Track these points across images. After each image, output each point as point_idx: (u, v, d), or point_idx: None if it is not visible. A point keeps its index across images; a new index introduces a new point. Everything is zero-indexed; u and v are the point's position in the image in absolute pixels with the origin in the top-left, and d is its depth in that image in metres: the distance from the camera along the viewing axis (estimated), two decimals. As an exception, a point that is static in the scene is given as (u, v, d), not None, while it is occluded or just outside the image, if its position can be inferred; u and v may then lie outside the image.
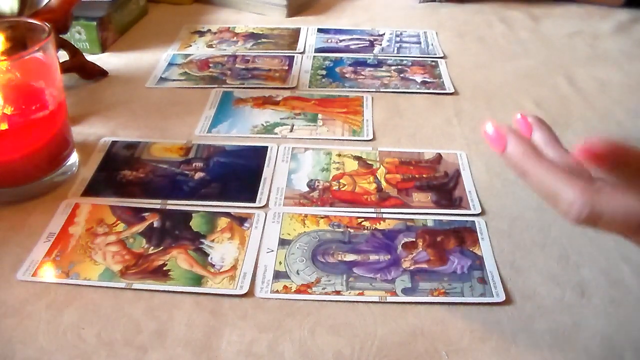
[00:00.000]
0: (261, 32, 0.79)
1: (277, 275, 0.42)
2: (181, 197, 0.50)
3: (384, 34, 0.78)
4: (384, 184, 0.51)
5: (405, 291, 0.41)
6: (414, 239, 0.45)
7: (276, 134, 0.58)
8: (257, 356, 0.37)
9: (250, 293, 0.41)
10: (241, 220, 0.47)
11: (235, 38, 0.77)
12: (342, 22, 0.82)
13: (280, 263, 0.43)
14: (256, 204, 0.49)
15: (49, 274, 0.42)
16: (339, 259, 0.44)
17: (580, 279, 0.42)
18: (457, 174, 0.52)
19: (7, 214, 0.48)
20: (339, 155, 0.55)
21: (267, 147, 0.56)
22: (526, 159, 0.32)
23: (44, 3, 0.60)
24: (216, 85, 0.66)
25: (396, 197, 0.50)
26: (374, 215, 0.48)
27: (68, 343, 0.37)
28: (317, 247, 0.45)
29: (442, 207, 0.49)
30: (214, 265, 0.43)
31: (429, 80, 0.67)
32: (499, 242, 0.45)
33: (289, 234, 0.46)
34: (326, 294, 0.41)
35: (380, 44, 0.75)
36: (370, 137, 0.57)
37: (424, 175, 0.52)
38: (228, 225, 0.47)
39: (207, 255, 0.44)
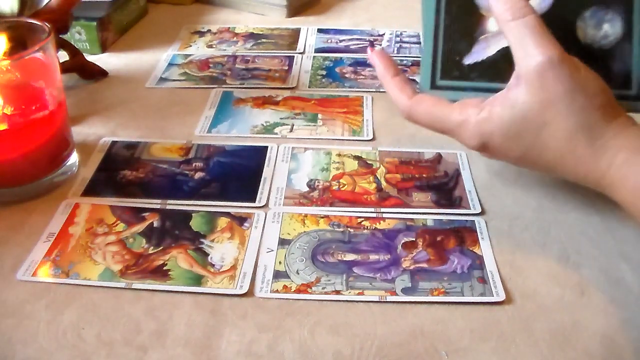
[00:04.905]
0: (261, 32, 0.79)
1: (277, 275, 0.42)
2: (181, 197, 0.50)
3: (384, 34, 0.78)
4: (383, 183, 0.51)
5: (405, 291, 0.41)
6: (413, 239, 0.45)
7: (276, 134, 0.58)
8: (257, 356, 0.37)
9: (250, 293, 0.41)
10: (241, 220, 0.47)
11: (235, 38, 0.77)
12: (342, 22, 0.82)
13: (280, 263, 0.43)
14: (256, 204, 0.49)
15: (48, 274, 0.42)
16: (339, 258, 0.44)
17: (580, 278, 0.42)
18: (457, 174, 0.52)
19: (7, 214, 0.48)
20: (339, 155, 0.55)
21: (267, 147, 0.56)
22: (382, 77, 0.46)
23: (44, 3, 0.60)
24: (216, 85, 0.66)
25: (396, 196, 0.50)
26: (374, 215, 0.48)
27: (68, 343, 0.37)
28: (317, 247, 0.45)
29: (442, 206, 0.49)
30: (213, 265, 0.43)
31: (429, 80, 0.67)
32: (499, 241, 0.45)
33: (289, 234, 0.46)
34: (326, 293, 0.41)
35: (380, 44, 0.75)
36: (370, 137, 0.58)
37: (424, 175, 0.52)
38: (228, 225, 0.47)
39: (207, 255, 0.44)
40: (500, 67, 0.42)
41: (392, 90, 0.45)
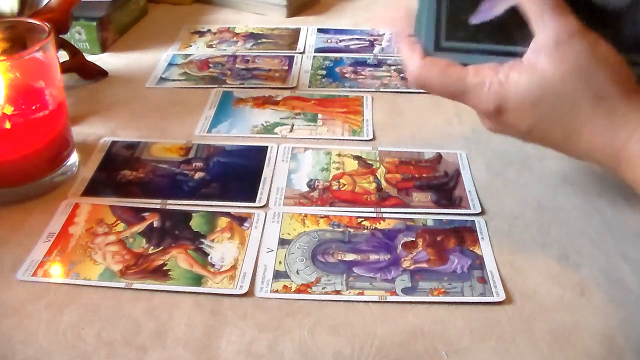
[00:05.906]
0: (261, 32, 0.79)
1: (277, 275, 0.42)
2: (181, 197, 0.50)
3: (384, 34, 0.78)
4: (383, 183, 0.51)
5: (405, 291, 0.41)
6: (413, 239, 0.45)
7: (276, 134, 0.58)
8: (257, 356, 0.37)
9: (250, 293, 0.41)
10: (241, 220, 0.47)
11: (235, 38, 0.77)
12: (342, 22, 0.82)
13: (280, 263, 0.43)
14: (256, 204, 0.49)
15: (48, 273, 0.42)
16: (339, 258, 0.44)
17: (580, 278, 0.42)
18: (457, 174, 0.52)
19: (7, 214, 0.48)
20: (339, 155, 0.55)
21: (267, 147, 0.56)
22: (397, 35, 0.43)
23: (44, 3, 0.60)
24: (216, 85, 0.66)
25: (396, 196, 0.50)
26: (374, 215, 0.48)
27: (68, 343, 0.37)
28: (317, 247, 0.45)
29: (442, 206, 0.49)
30: (213, 265, 0.43)
31: (429, 80, 0.67)
32: (499, 241, 0.45)
33: (289, 234, 0.46)
34: (326, 293, 0.41)
35: (380, 44, 0.75)
36: (370, 137, 0.58)
37: (424, 175, 0.52)
38: (228, 225, 0.47)
39: (207, 255, 0.44)
40: (508, 29, 0.40)
41: (404, 49, 0.42)
